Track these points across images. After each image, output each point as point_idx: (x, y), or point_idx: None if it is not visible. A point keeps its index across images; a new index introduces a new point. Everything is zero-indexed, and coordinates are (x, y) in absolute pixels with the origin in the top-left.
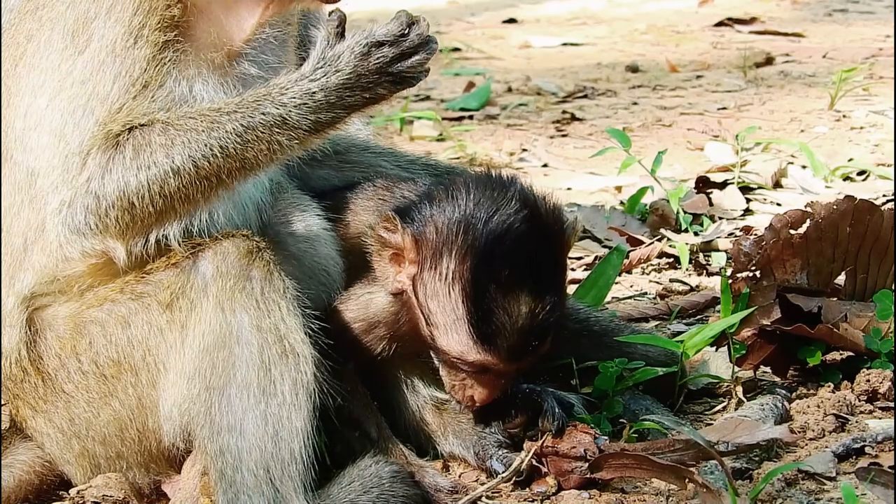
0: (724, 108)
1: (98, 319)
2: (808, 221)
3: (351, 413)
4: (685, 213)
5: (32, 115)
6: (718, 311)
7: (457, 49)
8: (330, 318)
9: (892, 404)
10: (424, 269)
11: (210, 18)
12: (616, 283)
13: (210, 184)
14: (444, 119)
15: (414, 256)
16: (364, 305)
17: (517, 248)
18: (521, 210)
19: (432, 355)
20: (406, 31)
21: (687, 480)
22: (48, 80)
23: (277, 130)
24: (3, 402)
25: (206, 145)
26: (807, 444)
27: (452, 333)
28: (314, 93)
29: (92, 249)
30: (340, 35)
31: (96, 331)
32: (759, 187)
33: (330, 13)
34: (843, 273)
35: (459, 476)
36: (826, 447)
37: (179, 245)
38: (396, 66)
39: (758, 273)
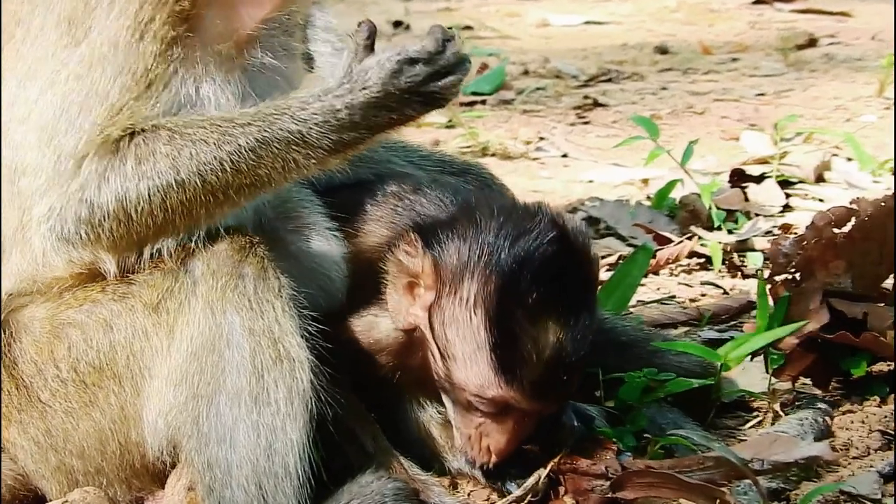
0: (762, 95)
1: (77, 322)
2: (853, 219)
3: (345, 424)
4: (718, 209)
5: (19, 106)
6: (754, 317)
7: (468, 27)
8: (331, 334)
9: None
10: (443, 295)
11: (219, 9)
12: (642, 285)
13: (216, 200)
14: (453, 104)
15: (432, 282)
16: (368, 327)
17: (546, 271)
18: (550, 231)
19: (445, 402)
20: (442, 49)
21: (718, 501)
22: (40, 71)
23: (295, 148)
24: None
25: (216, 159)
26: (850, 463)
27: (472, 364)
28: (338, 110)
29: (80, 260)
30: (369, 48)
31: (76, 334)
32: (800, 181)
33: (360, 24)
34: (890, 276)
35: (469, 495)
36: (871, 466)
37: (171, 256)
38: (429, 85)
39: (797, 276)
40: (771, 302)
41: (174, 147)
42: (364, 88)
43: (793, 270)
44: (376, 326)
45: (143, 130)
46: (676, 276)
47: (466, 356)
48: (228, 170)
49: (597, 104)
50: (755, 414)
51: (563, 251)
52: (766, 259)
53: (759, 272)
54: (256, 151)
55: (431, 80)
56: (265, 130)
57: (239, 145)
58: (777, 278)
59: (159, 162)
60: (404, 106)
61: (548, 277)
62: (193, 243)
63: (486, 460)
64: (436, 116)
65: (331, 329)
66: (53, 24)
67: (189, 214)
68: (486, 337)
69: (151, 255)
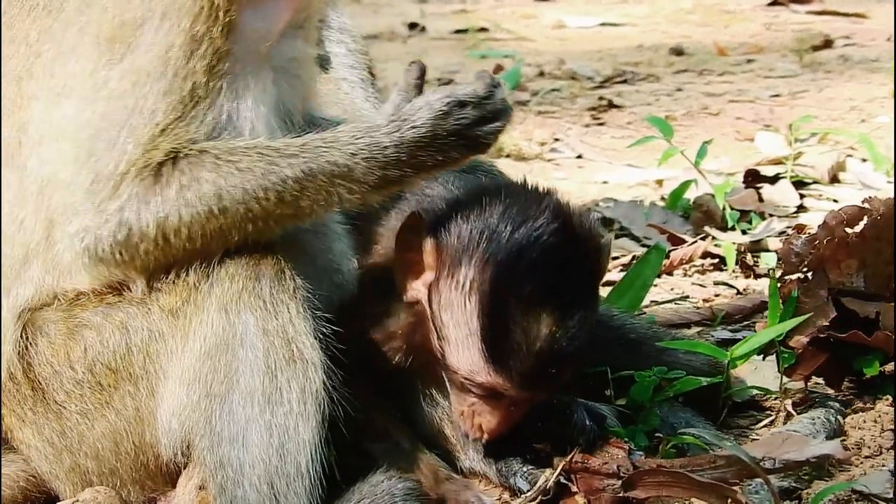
0: (777, 96)
1: (94, 323)
2: (865, 219)
3: (376, 423)
4: (732, 209)
5: (53, 123)
6: (766, 317)
7: (484, 29)
8: (345, 326)
9: None
10: (441, 277)
11: (253, 15)
12: (655, 285)
13: (254, 227)
14: None
15: (433, 262)
16: (381, 316)
17: (544, 263)
18: (553, 223)
19: (443, 376)
20: (490, 94)
21: (729, 500)
22: (76, 88)
23: (339, 181)
24: None
25: (261, 188)
26: (862, 462)
27: (463, 350)
28: (385, 147)
29: (109, 278)
30: (419, 88)
31: (91, 336)
32: (815, 182)
33: (410, 64)
34: None
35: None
36: (883, 465)
37: (193, 268)
38: (474, 129)
39: (809, 275)
40: (782, 302)
41: (219, 174)
42: (413, 127)
43: (805, 270)
44: (388, 313)
45: (187, 155)
46: (690, 276)
47: (459, 341)
48: (272, 199)
49: (612, 105)
50: (767, 413)
51: (566, 242)
52: (778, 259)
53: (771, 272)
54: (301, 182)
55: (478, 125)
56: (312, 162)
57: (285, 175)
58: (789, 278)
59: (203, 188)
60: (450, 148)
61: (546, 268)
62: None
63: (478, 437)
64: None
65: (346, 320)
66: (91, 40)
67: (225, 240)
68: (478, 324)
69: (178, 272)
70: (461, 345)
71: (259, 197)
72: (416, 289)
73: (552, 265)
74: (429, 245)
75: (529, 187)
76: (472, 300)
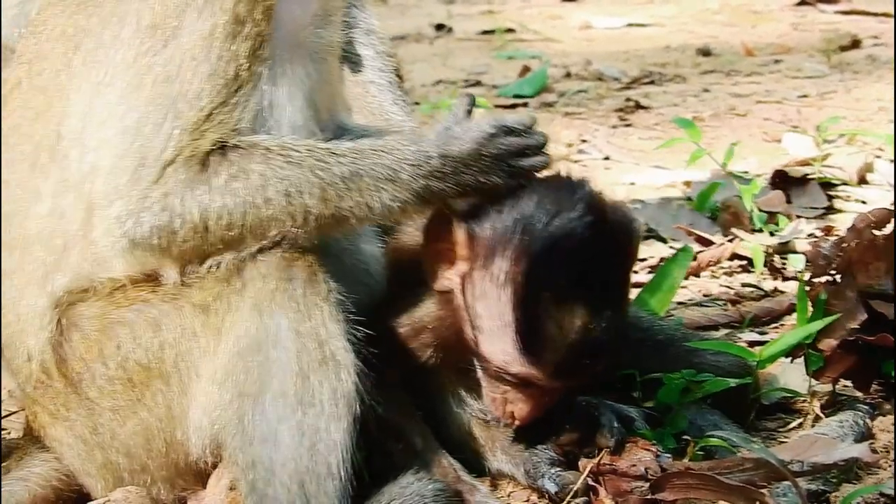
0: (805, 96)
1: (127, 320)
2: (893, 221)
3: (393, 422)
4: (760, 211)
5: (97, 112)
6: (795, 319)
7: (511, 30)
8: (375, 321)
9: None
10: (475, 268)
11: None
12: (683, 287)
13: (293, 223)
14: (495, 107)
15: (466, 253)
16: (411, 308)
17: (578, 256)
18: (587, 215)
19: (475, 364)
20: (533, 126)
21: (757, 503)
22: (119, 77)
23: (384, 186)
24: (19, 408)
25: (307, 182)
26: (889, 465)
27: (497, 340)
28: (431, 157)
29: (144, 265)
30: (468, 114)
31: (125, 332)
32: (843, 183)
33: (460, 96)
34: None
35: (509, 495)
36: None
37: (226, 265)
38: (518, 159)
39: (838, 278)
40: (811, 304)
41: (269, 167)
42: (459, 143)
43: (833, 272)
44: (418, 305)
45: (237, 146)
46: (718, 278)
47: (493, 331)
48: (316, 195)
49: (639, 106)
50: (796, 416)
51: (600, 233)
52: (806, 261)
53: (799, 275)
54: (347, 182)
55: (520, 155)
56: (359, 162)
57: (333, 173)
58: (817, 280)
59: (251, 179)
60: (491, 172)
61: (581, 260)
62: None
63: (509, 423)
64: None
65: (375, 316)
66: (132, 29)
67: (262, 234)
68: (513, 315)
69: (210, 266)
70: (495, 335)
71: (302, 190)
72: (448, 279)
73: (587, 257)
74: (461, 236)
75: (562, 178)
76: (507, 291)
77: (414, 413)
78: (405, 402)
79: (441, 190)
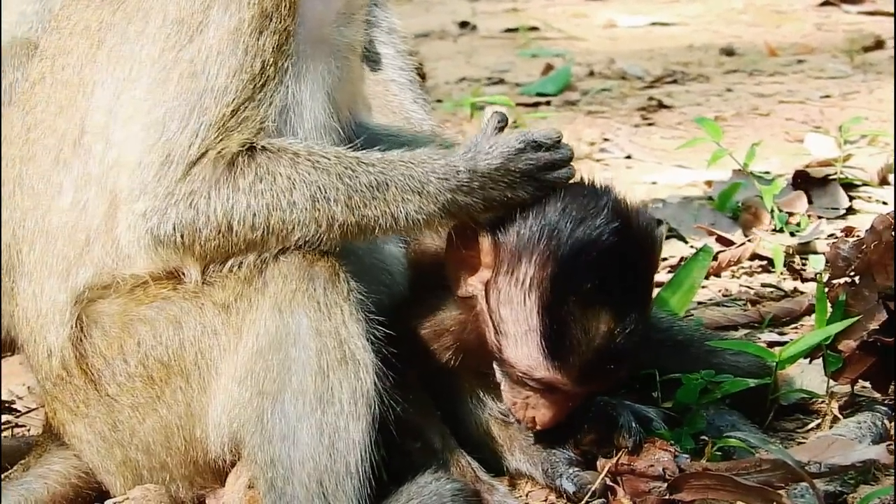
0: (828, 97)
1: (147, 318)
2: (893, 220)
3: (412, 421)
4: (780, 211)
5: (123, 107)
6: (814, 320)
7: (534, 28)
8: (395, 322)
9: None
10: (500, 273)
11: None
12: (703, 287)
13: (316, 230)
14: (518, 105)
15: (490, 260)
16: (432, 311)
17: (603, 262)
18: (613, 221)
19: (496, 368)
20: (560, 140)
21: None
22: (145, 72)
23: (409, 197)
24: (38, 405)
25: (333, 188)
26: None
27: (522, 345)
28: (459, 171)
29: (166, 262)
30: (498, 131)
31: (145, 330)
32: (864, 184)
33: (493, 113)
34: None
35: (527, 495)
36: None
37: (248, 265)
38: (545, 173)
39: (857, 279)
40: (830, 305)
41: (297, 171)
42: (487, 158)
43: (852, 274)
44: (439, 308)
45: (265, 149)
46: (738, 278)
47: (518, 336)
48: (342, 201)
49: (661, 105)
50: (814, 417)
51: (625, 240)
52: (826, 262)
53: (818, 276)
54: (373, 191)
55: (549, 169)
56: (387, 172)
57: (359, 181)
58: (836, 282)
59: (278, 182)
60: (519, 186)
61: (605, 266)
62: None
63: (530, 427)
64: None
65: (396, 317)
66: (158, 25)
67: (285, 238)
68: (538, 321)
69: (231, 266)
70: (520, 341)
71: (328, 197)
72: (472, 285)
73: (611, 263)
74: (485, 243)
75: (587, 184)
76: (532, 297)
77: (433, 413)
78: (424, 401)
79: (468, 204)
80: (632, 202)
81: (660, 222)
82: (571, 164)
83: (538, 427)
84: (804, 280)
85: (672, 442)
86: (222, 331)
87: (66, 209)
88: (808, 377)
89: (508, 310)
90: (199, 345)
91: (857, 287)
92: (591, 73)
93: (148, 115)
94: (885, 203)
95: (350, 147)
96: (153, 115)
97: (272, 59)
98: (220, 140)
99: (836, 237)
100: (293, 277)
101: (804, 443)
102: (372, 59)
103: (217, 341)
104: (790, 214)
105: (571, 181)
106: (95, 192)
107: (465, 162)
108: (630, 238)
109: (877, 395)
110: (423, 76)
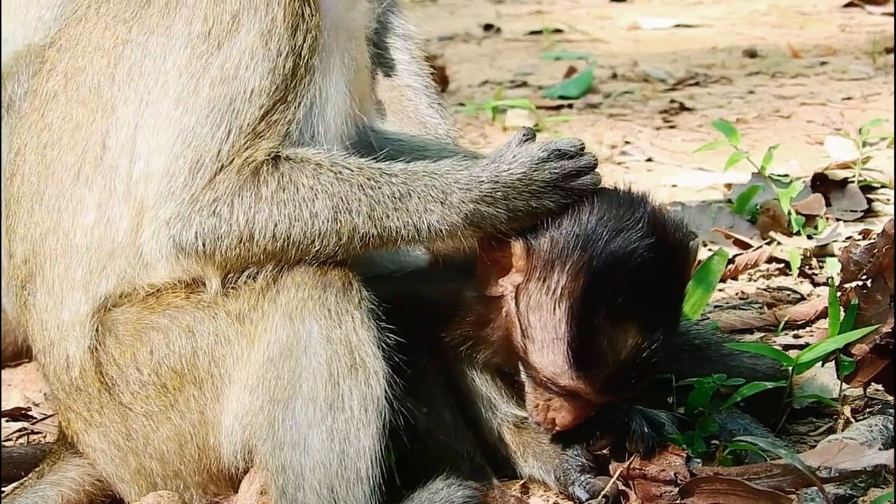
0: (849, 99)
1: (161, 326)
2: (893, 223)
3: (423, 428)
4: (798, 214)
5: (149, 120)
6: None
7: (559, 30)
8: (411, 303)
9: None
10: (532, 279)
11: None
12: (720, 289)
13: (337, 240)
14: (540, 108)
15: (523, 265)
16: (452, 293)
17: (637, 276)
18: (648, 236)
19: (520, 368)
20: (583, 148)
21: None
22: (171, 83)
23: (432, 207)
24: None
25: (356, 199)
26: None
27: (548, 352)
28: (482, 182)
29: (186, 271)
30: (524, 143)
31: (158, 338)
32: (883, 186)
33: (521, 128)
34: None
35: (540, 500)
36: None
37: (263, 275)
38: (570, 181)
39: (869, 282)
40: (842, 309)
41: (319, 182)
42: (510, 167)
43: (864, 278)
44: (460, 293)
45: (289, 158)
46: (755, 281)
47: (545, 343)
48: (364, 212)
49: (683, 108)
50: (827, 420)
51: (660, 254)
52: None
53: (830, 280)
54: (396, 203)
55: (573, 177)
56: (409, 183)
57: (381, 192)
58: (848, 285)
59: (300, 192)
60: (543, 196)
61: (639, 281)
62: None
63: (549, 429)
64: (521, 120)
65: (411, 299)
66: (182, 37)
67: (306, 248)
68: (566, 330)
69: (247, 276)
70: (547, 347)
71: (351, 208)
72: (502, 286)
73: (646, 277)
74: (518, 247)
75: (623, 192)
76: (563, 306)
77: (445, 418)
78: (437, 406)
79: (491, 215)
80: (668, 212)
81: (694, 235)
82: (596, 170)
83: (558, 428)
84: (818, 284)
85: (684, 446)
86: (235, 340)
87: (90, 226)
88: (821, 380)
89: (537, 316)
90: (213, 353)
91: (870, 290)
92: (614, 76)
93: (178, 123)
94: None
95: (372, 158)
96: (182, 124)
97: (306, 57)
98: (248, 147)
99: (855, 239)
100: (306, 286)
101: (816, 446)
102: (387, 64)
103: (230, 349)
104: (808, 217)
105: (606, 187)
106: (120, 207)
107: (489, 172)
108: (665, 252)
109: (889, 397)
110: (445, 80)
